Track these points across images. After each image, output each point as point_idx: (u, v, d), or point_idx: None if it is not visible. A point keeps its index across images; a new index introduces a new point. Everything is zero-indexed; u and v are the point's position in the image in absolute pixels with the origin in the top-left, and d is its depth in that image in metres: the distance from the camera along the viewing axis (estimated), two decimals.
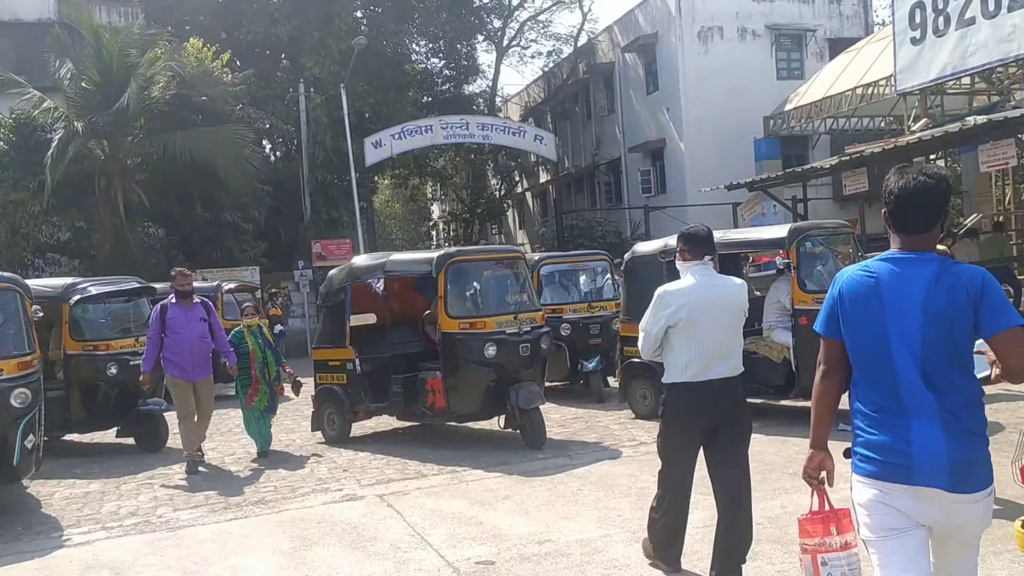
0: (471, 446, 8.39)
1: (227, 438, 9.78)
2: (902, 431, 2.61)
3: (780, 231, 8.14)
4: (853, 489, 2.75)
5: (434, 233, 43.63)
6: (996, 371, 2.73)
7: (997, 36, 14.87)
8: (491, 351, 7.75)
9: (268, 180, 24.76)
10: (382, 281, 8.33)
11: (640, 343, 4.44)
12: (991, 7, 14.93)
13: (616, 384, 9.77)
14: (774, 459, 7.05)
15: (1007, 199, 18.85)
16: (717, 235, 9.00)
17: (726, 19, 27.41)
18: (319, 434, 9.12)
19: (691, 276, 4.31)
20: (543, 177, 36.21)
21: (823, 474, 2.91)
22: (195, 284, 15.90)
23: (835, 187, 25.32)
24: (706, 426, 4.27)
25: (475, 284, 8.65)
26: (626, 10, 31.01)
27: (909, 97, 18.03)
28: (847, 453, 2.78)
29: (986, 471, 2.63)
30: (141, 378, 8.16)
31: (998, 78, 17.27)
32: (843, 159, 14.69)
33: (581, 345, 10.56)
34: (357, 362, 8.53)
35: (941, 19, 16.02)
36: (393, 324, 9.08)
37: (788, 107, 23.88)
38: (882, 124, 22.68)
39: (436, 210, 45.63)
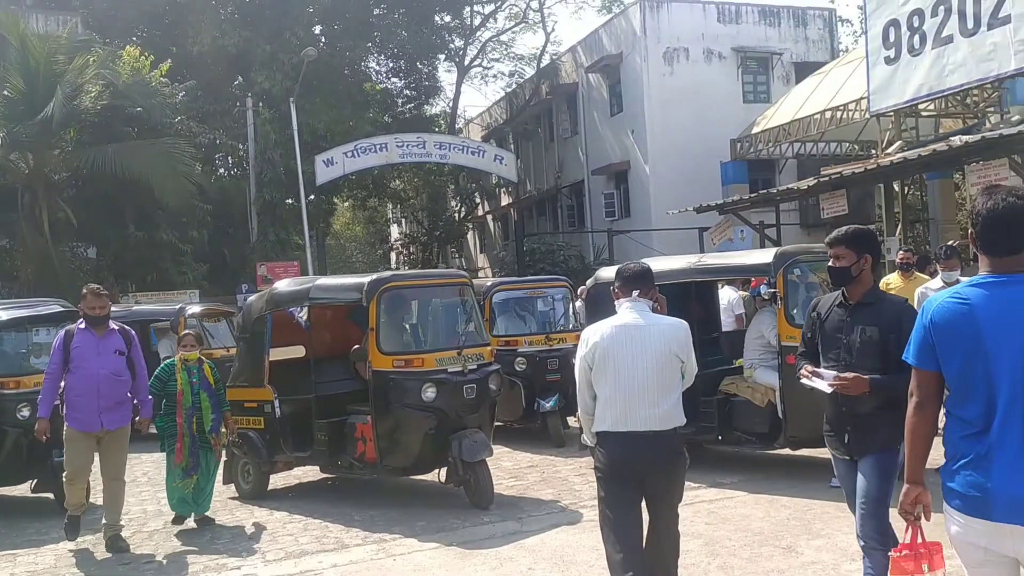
0: (406, 504, 7.19)
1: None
2: (984, 464, 2.56)
3: (765, 255, 7.12)
4: (945, 519, 2.71)
5: (393, 256, 42.36)
6: None
7: (976, 55, 14.19)
8: (430, 393, 6.59)
9: (214, 199, 23.48)
10: (305, 310, 7.14)
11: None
12: (970, 25, 14.25)
13: (576, 426, 8.62)
14: (762, 525, 5.97)
15: None
16: (693, 260, 8.02)
17: (692, 40, 26.86)
18: (233, 487, 7.82)
19: (618, 314, 4.12)
20: (504, 200, 35.27)
21: (919, 509, 2.88)
22: (137, 307, 14.30)
23: (802, 213, 24.81)
24: (632, 479, 4.02)
25: (413, 314, 7.49)
26: (590, 31, 30.36)
27: (882, 120, 17.40)
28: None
29: None
30: (37, 426, 6.31)
31: (973, 101, 16.61)
32: (821, 180, 13.84)
33: (538, 382, 9.42)
34: (276, 404, 7.30)
35: (917, 38, 15.32)
36: (322, 360, 7.85)
37: (755, 130, 23.33)
38: (849, 150, 22.19)
39: (396, 232, 44.43)
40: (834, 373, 3.87)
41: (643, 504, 4.09)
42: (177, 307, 12.70)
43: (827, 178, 13.55)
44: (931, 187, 19.71)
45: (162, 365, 6.89)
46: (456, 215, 34.42)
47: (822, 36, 28.71)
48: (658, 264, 7.57)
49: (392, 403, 6.63)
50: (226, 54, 25.31)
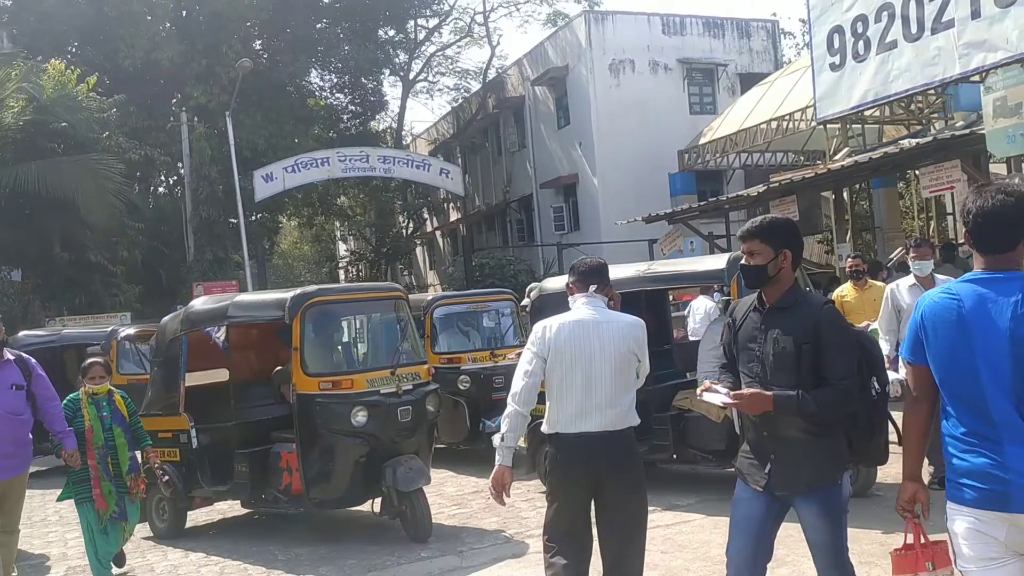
0: (337, 539, 6.59)
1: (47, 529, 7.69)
2: (997, 457, 2.53)
3: (718, 261, 6.71)
4: (949, 518, 2.67)
5: (342, 274, 41.54)
6: None
7: (921, 60, 14.09)
8: (360, 417, 6.02)
9: (149, 217, 22.56)
10: (223, 330, 6.52)
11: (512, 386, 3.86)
12: (913, 30, 14.15)
13: (524, 447, 8.10)
14: (722, 552, 5.49)
15: (926, 233, 18.16)
16: (642, 268, 7.57)
17: (637, 52, 26.85)
18: (147, 526, 7.13)
19: (573, 310, 3.92)
20: (454, 215, 34.79)
21: (918, 506, 2.87)
22: (67, 331, 13.30)
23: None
24: (587, 482, 3.80)
25: (342, 332, 6.91)
26: (536, 43, 30.13)
27: (829, 127, 17.32)
28: (940, 483, 2.87)
29: None
30: None
31: (918, 107, 16.60)
32: (771, 186, 13.60)
33: (483, 400, 8.87)
34: (192, 433, 6.65)
35: (861, 43, 15.22)
36: (247, 384, 7.22)
37: (702, 141, 23.33)
38: (795, 160, 22.24)
39: (344, 250, 43.63)
40: (729, 387, 3.39)
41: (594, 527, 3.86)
42: (109, 330, 11.89)
43: (777, 184, 13.30)
44: (876, 196, 19.74)
45: (65, 400, 5.87)
46: (404, 231, 33.81)
47: (766, 47, 28.92)
48: (619, 271, 7.14)
49: (319, 429, 6.04)
50: (161, 69, 24.44)
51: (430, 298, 9.60)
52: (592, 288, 3.93)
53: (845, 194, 15.50)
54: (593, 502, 3.88)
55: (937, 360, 2.67)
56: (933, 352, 2.68)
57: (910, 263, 6.40)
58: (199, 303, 7.13)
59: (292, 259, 52.31)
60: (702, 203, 15.51)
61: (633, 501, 3.90)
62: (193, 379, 6.96)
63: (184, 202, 22.41)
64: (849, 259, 8.39)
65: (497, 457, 3.86)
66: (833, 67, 15.92)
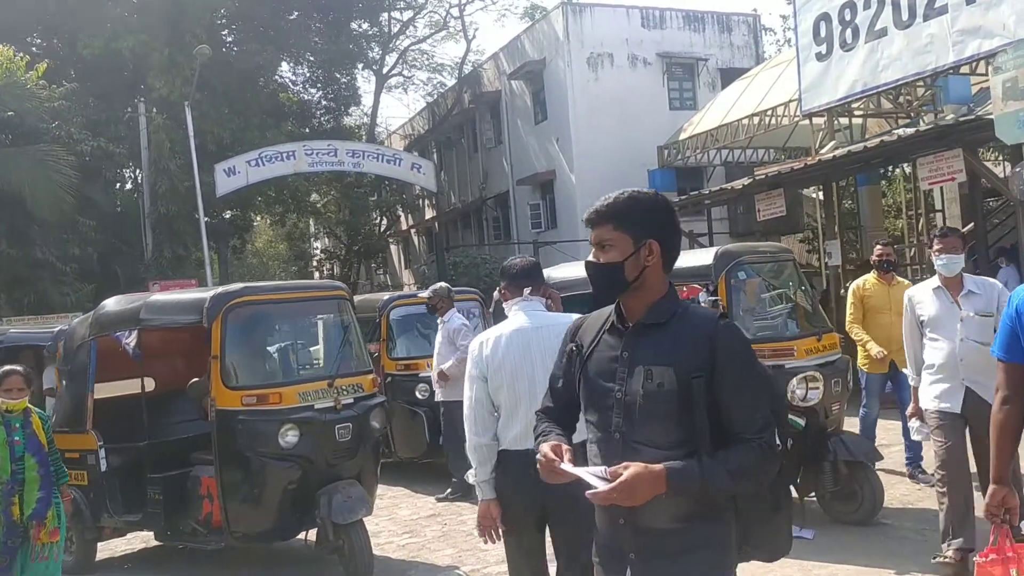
0: (269, 573, 5.72)
1: None
2: None
3: (704, 256, 5.92)
4: None
5: (316, 274, 40.54)
6: None
7: (912, 48, 13.42)
8: (290, 438, 5.17)
9: (107, 213, 21.49)
10: (134, 335, 5.64)
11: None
12: (904, 16, 13.49)
13: None
14: None
15: (910, 233, 17.49)
16: None
17: (616, 45, 26.15)
18: None
19: (509, 318, 3.60)
20: (429, 213, 33.95)
21: (1005, 512, 2.75)
22: (13, 331, 12.20)
23: (731, 222, 24.11)
24: (536, 503, 3.36)
25: (272, 338, 6.05)
26: (512, 37, 29.37)
27: (814, 121, 16.63)
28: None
29: None
30: None
31: (907, 100, 15.92)
32: (756, 179, 12.87)
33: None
34: (101, 454, 5.77)
35: (849, 32, 14.53)
36: (168, 397, 6.34)
37: (682, 136, 22.60)
38: (776, 156, 21.60)
39: (317, 248, 42.65)
40: (604, 468, 2.14)
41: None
42: (56, 330, 10.81)
43: (763, 176, 12.57)
44: (860, 194, 19.15)
45: None
46: (377, 229, 32.91)
47: (747, 42, 28.32)
48: (576, 270, 6.33)
49: (241, 451, 5.18)
50: (122, 59, 23.41)
51: (385, 298, 8.73)
52: (526, 291, 3.60)
53: (833, 190, 14.78)
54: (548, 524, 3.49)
55: None
56: None
57: (933, 258, 4.93)
58: (111, 303, 6.21)
59: (267, 258, 51.27)
60: (682, 197, 14.77)
61: (587, 520, 3.25)
62: (103, 391, 6.06)
63: (142, 197, 21.37)
64: (878, 247, 6.96)
65: (478, 494, 3.46)
66: (819, 57, 15.24)
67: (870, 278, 6.89)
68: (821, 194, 17.70)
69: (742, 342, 2.28)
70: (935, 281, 4.95)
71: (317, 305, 6.01)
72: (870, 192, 19.61)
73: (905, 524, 5.52)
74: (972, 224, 13.35)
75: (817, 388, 5.61)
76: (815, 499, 5.90)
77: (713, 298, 5.83)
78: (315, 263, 35.86)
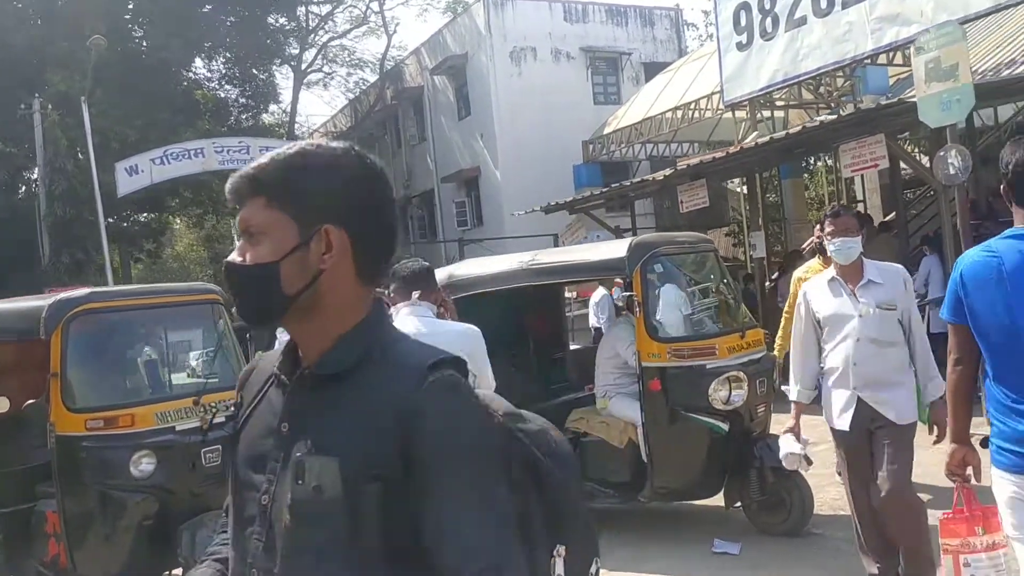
0: None
1: None
2: None
3: (617, 248, 5.40)
4: (993, 484, 2.62)
5: None
6: None
7: (832, 36, 13.27)
8: (145, 466, 4.47)
9: (1, 218, 20.15)
10: None
11: None
12: (823, 5, 13.33)
13: None
14: None
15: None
16: (525, 259, 6.23)
17: (539, 40, 25.84)
18: None
19: (398, 323, 3.17)
20: None
21: (968, 470, 2.80)
22: None
23: (657, 216, 23.96)
24: None
25: (127, 350, 5.31)
26: (434, 31, 28.73)
27: (737, 113, 16.46)
28: (984, 443, 2.69)
29: None
30: None
31: (827, 90, 15.83)
32: (679, 169, 12.52)
33: None
34: None
35: (769, 20, 14.33)
36: (10, 420, 5.53)
37: (607, 131, 22.39)
38: (701, 151, 21.49)
39: None
40: None
41: None
42: None
43: (685, 167, 12.23)
44: (784, 187, 19.13)
45: None
46: None
47: (669, 36, 28.30)
48: (481, 266, 5.76)
49: (87, 483, 4.46)
50: (16, 52, 21.97)
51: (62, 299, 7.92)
52: (416, 295, 3.50)
53: (757, 182, 14.56)
54: None
55: (978, 321, 2.61)
56: (973, 312, 2.61)
57: (826, 244, 4.18)
58: None
59: (189, 262, 49.55)
60: (603, 190, 14.37)
61: None
62: None
63: (38, 199, 20.06)
64: (819, 228, 5.78)
65: None
66: (740, 46, 15.02)
67: (814, 264, 6.00)
68: (745, 187, 17.58)
69: (461, 415, 1.30)
70: (831, 272, 4.16)
71: (184, 311, 5.27)
72: (793, 185, 19.62)
73: (837, 534, 5.10)
74: (893, 214, 13.24)
75: (741, 389, 5.16)
76: (741, 509, 5.44)
77: (627, 294, 5.32)
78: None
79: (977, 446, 2.75)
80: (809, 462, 4.42)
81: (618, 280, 5.31)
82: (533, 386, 6.10)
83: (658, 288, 5.44)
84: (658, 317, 5.32)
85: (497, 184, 25.39)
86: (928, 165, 10.07)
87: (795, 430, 4.24)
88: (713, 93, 16.48)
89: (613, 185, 14.19)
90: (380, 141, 31.44)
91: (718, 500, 5.49)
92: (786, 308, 6.00)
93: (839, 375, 4.04)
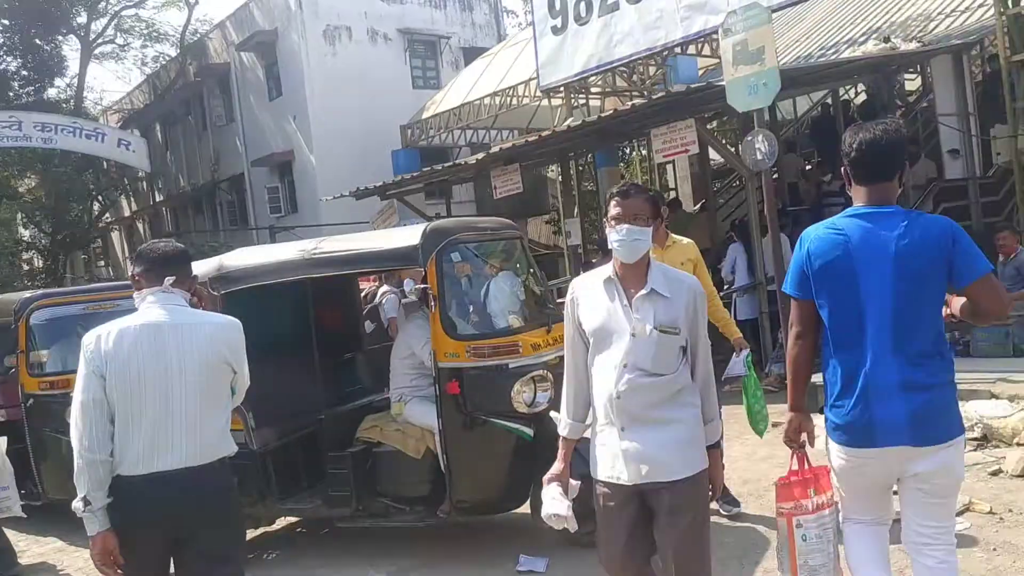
0: None
1: None
2: (866, 396, 2.63)
3: (410, 235, 4.76)
4: (828, 450, 2.83)
5: (26, 267, 35.36)
6: (948, 310, 2.73)
7: (643, 23, 13.28)
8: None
9: None
10: None
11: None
12: None
13: None
14: None
15: None
16: (308, 247, 5.46)
17: (354, 19, 24.91)
18: None
19: (140, 311, 3.06)
20: (159, 197, 30.65)
21: (803, 436, 2.93)
22: None
23: (478, 204, 23.67)
24: (161, 539, 2.96)
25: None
26: (241, 3, 26.88)
27: (555, 100, 16.31)
28: (820, 410, 2.84)
29: (950, 420, 2.66)
30: None
31: (640, 79, 15.94)
32: (490, 153, 12.09)
33: None
34: None
35: (583, 5, 14.21)
36: None
37: (426, 115, 21.84)
38: (520, 136, 21.37)
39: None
40: None
41: None
42: None
43: (498, 151, 11.81)
44: (600, 175, 19.22)
45: None
46: (87, 216, 29.11)
47: (488, 22, 28.10)
48: (257, 256, 4.99)
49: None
50: None
51: (25, 297, 6.82)
52: (168, 281, 3.09)
53: (572, 168, 14.43)
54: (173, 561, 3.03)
55: (823, 294, 2.71)
56: (820, 286, 2.71)
57: (608, 233, 3.04)
58: None
59: None
60: (414, 174, 13.76)
61: (231, 565, 3.08)
62: None
63: None
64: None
65: (89, 527, 2.89)
66: (555, 30, 14.81)
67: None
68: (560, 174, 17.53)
69: None
70: (608, 269, 3.04)
71: None
72: (609, 173, 19.68)
73: None
74: (704, 201, 13.44)
75: (547, 390, 4.69)
76: None
77: (422, 286, 4.72)
78: (9, 257, 31.15)
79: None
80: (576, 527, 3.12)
81: (404, 272, 4.67)
82: (321, 390, 5.39)
83: (456, 279, 4.88)
84: (456, 312, 4.75)
85: (312, 169, 24.26)
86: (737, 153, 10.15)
87: (562, 479, 3.08)
88: (530, 79, 16.27)
89: (425, 169, 13.58)
90: (183, 121, 29.29)
91: (525, 509, 5.01)
92: None
93: (602, 408, 3.00)
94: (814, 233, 2.73)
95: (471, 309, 4.86)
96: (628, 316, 2.94)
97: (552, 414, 3.75)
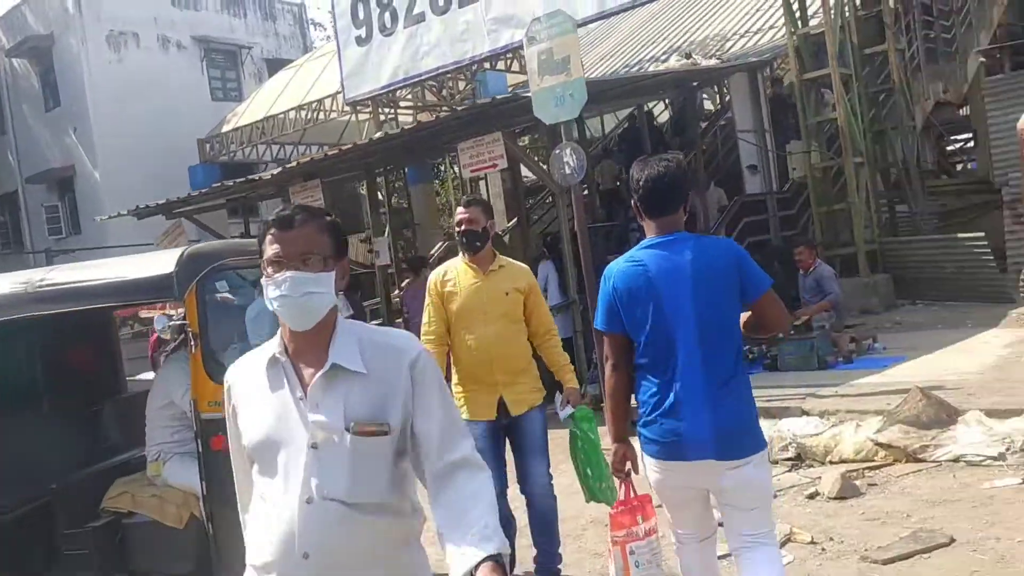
0: None
1: None
2: (675, 411, 2.73)
3: (164, 262, 3.93)
4: (645, 466, 2.89)
5: None
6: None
7: (450, 35, 12.90)
8: None
9: None
10: None
11: None
12: (440, 2, 12.94)
13: None
14: None
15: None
16: (34, 278, 4.48)
17: (142, 25, 23.18)
18: None
19: None
20: None
21: (628, 465, 2.96)
22: None
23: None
24: None
25: None
26: (10, 6, 24.27)
27: (363, 114, 15.62)
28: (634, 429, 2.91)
29: (753, 436, 2.79)
30: None
31: (450, 93, 15.55)
32: (288, 167, 11.23)
33: None
34: None
35: (388, 15, 13.65)
36: None
37: (226, 128, 20.52)
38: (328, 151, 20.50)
39: None
40: None
41: None
42: None
43: (295, 165, 10.96)
44: (412, 192, 18.73)
45: None
46: None
47: (293, 32, 27.08)
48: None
49: None
50: None
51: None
52: None
53: (381, 194, 13.80)
54: None
55: (634, 324, 2.80)
56: (630, 318, 2.80)
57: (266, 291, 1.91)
58: None
59: None
60: (203, 191, 12.62)
61: None
62: None
63: None
64: (459, 208, 4.11)
65: None
66: (360, 41, 14.13)
67: (454, 265, 4.11)
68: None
69: None
70: (275, 343, 1.94)
71: None
72: (423, 190, 19.28)
73: None
74: (515, 219, 13.18)
75: None
76: None
77: (179, 322, 3.91)
78: None
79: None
80: None
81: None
82: (57, 451, 4.42)
83: (224, 313, 4.12)
84: (223, 352, 3.98)
85: (96, 186, 22.23)
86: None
87: None
88: (337, 93, 15.56)
89: (215, 185, 12.47)
90: None
91: None
92: (423, 330, 4.09)
93: (277, 572, 1.87)
94: (616, 268, 2.84)
95: (240, 347, 4.10)
96: (302, 415, 1.85)
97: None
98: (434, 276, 4.16)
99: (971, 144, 17.11)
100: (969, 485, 4.72)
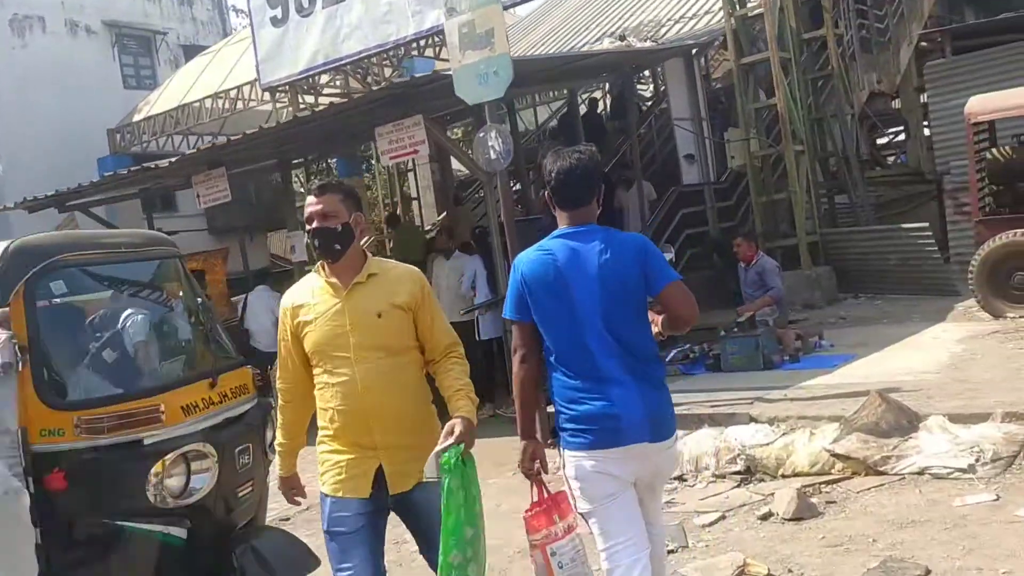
0: None
1: None
2: (605, 398, 2.71)
3: None
4: (565, 466, 2.81)
5: None
6: (656, 328, 2.85)
7: (372, 17, 12.17)
8: None
9: None
10: None
11: None
12: None
13: None
14: None
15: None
16: None
17: (48, 8, 21.93)
18: None
19: None
20: None
21: (537, 464, 2.89)
22: None
23: (210, 218, 21.34)
24: None
25: None
26: None
27: (280, 101, 14.75)
28: (553, 433, 2.87)
29: (673, 418, 2.85)
30: None
31: (375, 80, 14.77)
32: (189, 154, 10.36)
33: None
34: None
35: None
36: None
37: (138, 118, 19.49)
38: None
39: None
40: None
41: None
42: None
43: (195, 152, 10.12)
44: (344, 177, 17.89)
45: None
46: None
47: (212, 18, 25.91)
48: None
49: None
50: None
51: None
52: None
53: (302, 177, 12.97)
54: None
55: (543, 314, 2.79)
56: (538, 307, 2.78)
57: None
58: None
59: None
60: (93, 181, 11.68)
61: None
62: None
63: None
64: (310, 198, 3.05)
65: None
66: (275, 22, 13.27)
67: (310, 283, 3.03)
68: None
69: None
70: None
71: None
72: (352, 184, 18.49)
73: None
74: (445, 213, 12.51)
75: (206, 470, 3.32)
76: None
77: (6, 334, 3.16)
78: None
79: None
80: None
81: None
82: None
83: (62, 320, 3.37)
84: (61, 369, 3.24)
85: None
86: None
87: None
88: (255, 80, 14.65)
89: (107, 174, 11.52)
90: None
91: None
92: (279, 375, 3.15)
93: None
94: (526, 257, 2.83)
95: (86, 363, 3.35)
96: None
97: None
98: (285, 301, 3.03)
99: (902, 137, 17.05)
100: (938, 502, 4.24)
